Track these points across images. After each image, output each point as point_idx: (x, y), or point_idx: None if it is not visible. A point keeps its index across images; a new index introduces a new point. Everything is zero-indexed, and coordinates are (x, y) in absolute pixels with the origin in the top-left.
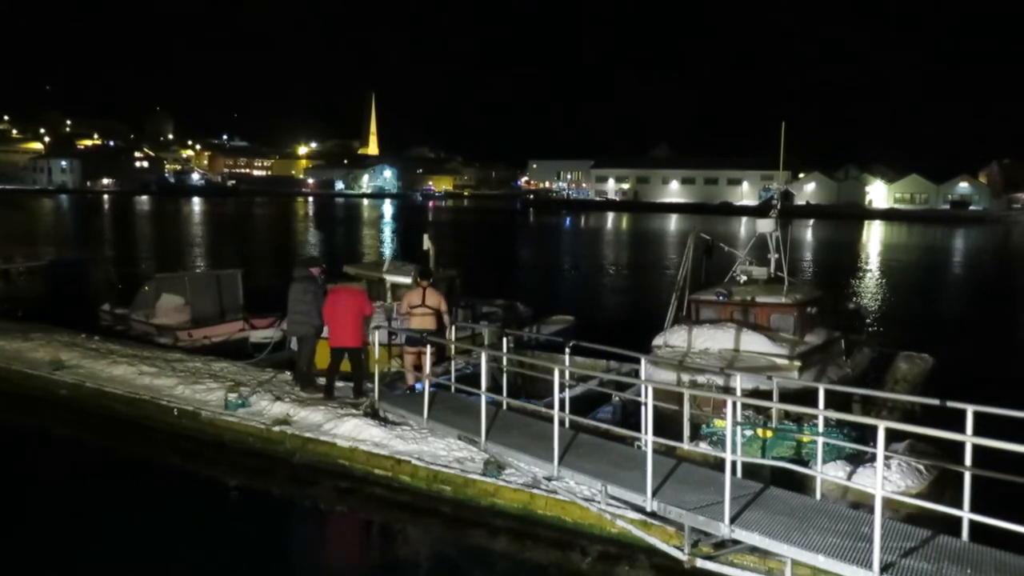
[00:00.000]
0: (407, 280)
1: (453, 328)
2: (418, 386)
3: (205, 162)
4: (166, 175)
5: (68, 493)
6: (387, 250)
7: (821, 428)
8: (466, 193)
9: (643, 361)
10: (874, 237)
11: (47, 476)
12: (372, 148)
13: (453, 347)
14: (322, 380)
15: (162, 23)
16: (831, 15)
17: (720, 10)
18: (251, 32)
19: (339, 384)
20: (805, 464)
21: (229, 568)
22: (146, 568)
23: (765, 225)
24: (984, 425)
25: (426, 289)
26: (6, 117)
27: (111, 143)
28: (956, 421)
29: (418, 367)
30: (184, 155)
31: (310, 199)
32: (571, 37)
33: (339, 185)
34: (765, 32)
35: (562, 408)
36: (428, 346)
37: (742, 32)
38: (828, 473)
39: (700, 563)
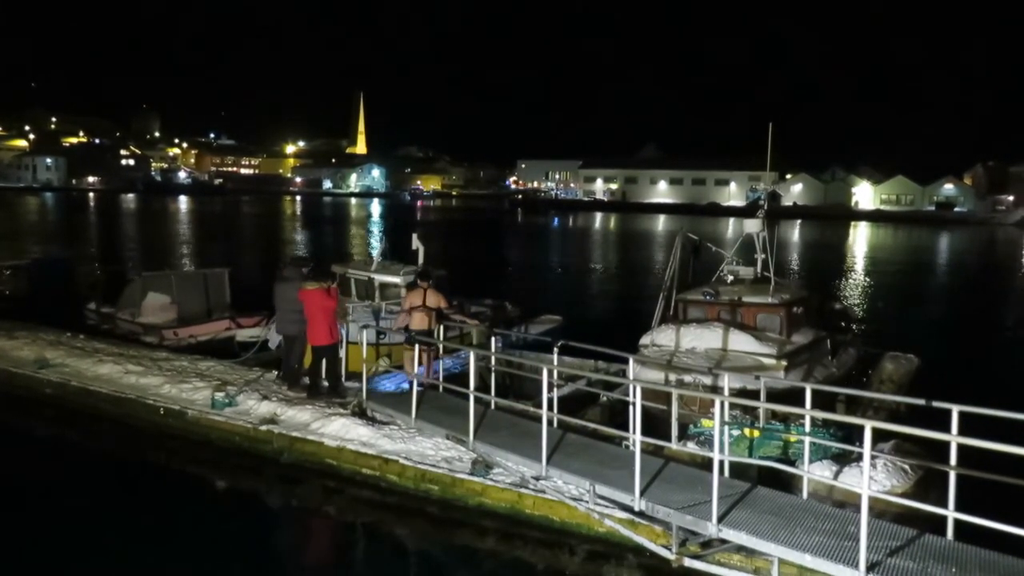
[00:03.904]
0: (396, 279)
1: (441, 327)
2: (404, 384)
3: (192, 160)
4: (152, 173)
5: (52, 492)
6: (375, 249)
7: (808, 428)
8: (454, 193)
9: (631, 361)
10: (860, 238)
11: (31, 475)
12: (360, 147)
13: (442, 347)
14: (307, 380)
15: (149, 21)
16: (820, 16)
17: (710, 11)
18: (239, 31)
19: (326, 384)
20: (792, 464)
21: (216, 568)
22: (132, 568)
23: (752, 225)
24: (969, 425)
25: (427, 290)
26: None
27: (97, 141)
28: (941, 421)
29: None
30: (171, 153)
31: (298, 198)
32: (563, 37)
33: (327, 184)
34: (754, 33)
35: (550, 408)
36: (417, 345)
37: (732, 33)
38: (815, 473)
39: (688, 562)
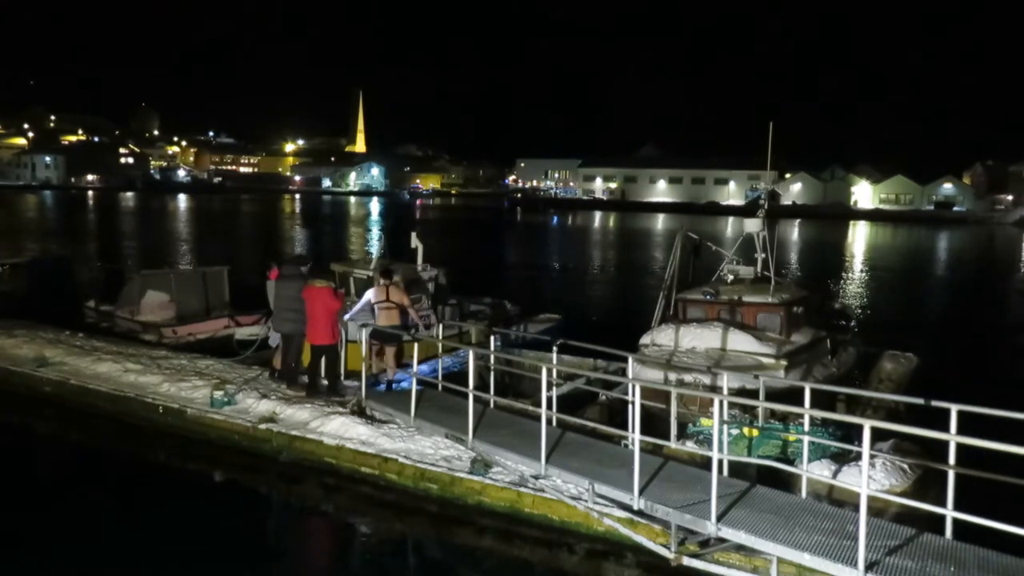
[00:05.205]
0: (395, 278)
1: (441, 326)
2: (404, 383)
3: (191, 159)
4: (151, 171)
5: (51, 491)
6: (374, 248)
7: (807, 427)
8: (454, 191)
9: (630, 360)
10: (859, 237)
11: (29, 474)
12: (359, 146)
13: (440, 345)
14: (305, 378)
15: (148, 19)
16: (818, 15)
17: (708, 10)
18: (238, 29)
19: (324, 382)
20: (791, 463)
21: (215, 566)
22: (131, 566)
23: (752, 225)
24: (967, 424)
25: (389, 287)
26: None
27: (96, 139)
28: (940, 420)
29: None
30: (170, 152)
31: (297, 196)
32: (561, 36)
33: (326, 183)
34: (754, 32)
35: (549, 407)
36: (394, 341)
37: (730, 32)
38: (814, 472)
39: (687, 561)
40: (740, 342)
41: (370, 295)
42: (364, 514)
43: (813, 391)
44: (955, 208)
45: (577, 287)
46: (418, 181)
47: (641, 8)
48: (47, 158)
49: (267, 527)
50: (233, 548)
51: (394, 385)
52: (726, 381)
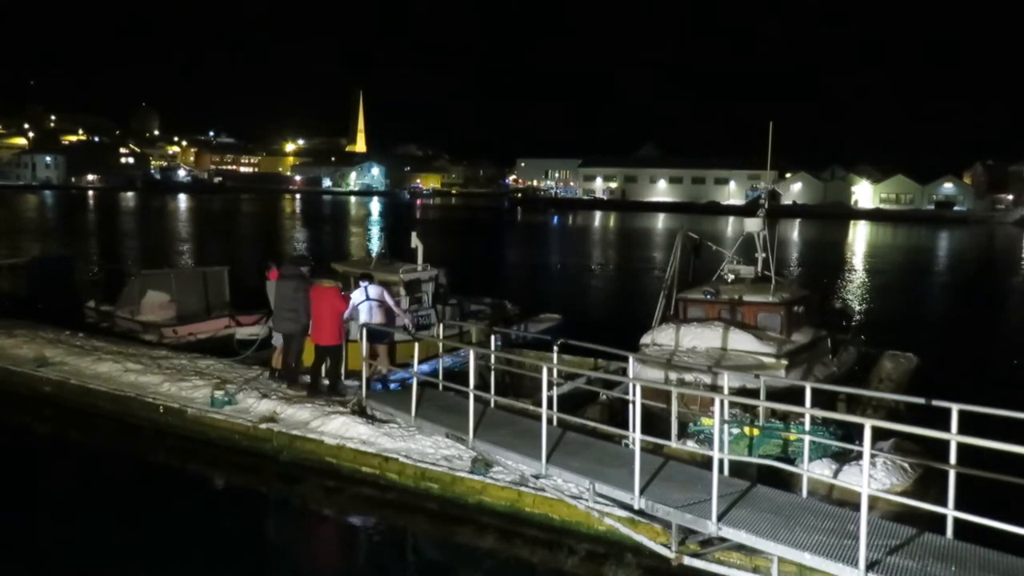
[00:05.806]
0: (395, 278)
1: (441, 326)
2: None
3: (191, 159)
4: (152, 171)
5: (51, 491)
6: (375, 248)
7: (807, 426)
8: (454, 191)
9: (631, 359)
10: (860, 237)
11: (29, 474)
12: (360, 146)
13: (441, 345)
14: (307, 377)
15: (149, 19)
16: (818, 15)
17: (708, 9)
18: (239, 29)
19: (325, 382)
20: (792, 462)
21: (215, 566)
22: (131, 566)
23: (753, 224)
24: (968, 424)
25: (368, 287)
26: None
27: (96, 139)
28: (941, 420)
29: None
30: (170, 151)
31: (297, 196)
32: (562, 36)
33: (326, 183)
34: (753, 32)
35: (550, 406)
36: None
37: (730, 32)
38: (814, 471)
39: (687, 561)
40: (741, 341)
41: (355, 297)
42: (365, 514)
43: (814, 390)
44: (955, 208)
45: (577, 287)
46: (418, 181)
47: (641, 8)
48: (47, 158)
49: (267, 527)
50: (233, 548)
51: (391, 385)
52: (727, 380)
